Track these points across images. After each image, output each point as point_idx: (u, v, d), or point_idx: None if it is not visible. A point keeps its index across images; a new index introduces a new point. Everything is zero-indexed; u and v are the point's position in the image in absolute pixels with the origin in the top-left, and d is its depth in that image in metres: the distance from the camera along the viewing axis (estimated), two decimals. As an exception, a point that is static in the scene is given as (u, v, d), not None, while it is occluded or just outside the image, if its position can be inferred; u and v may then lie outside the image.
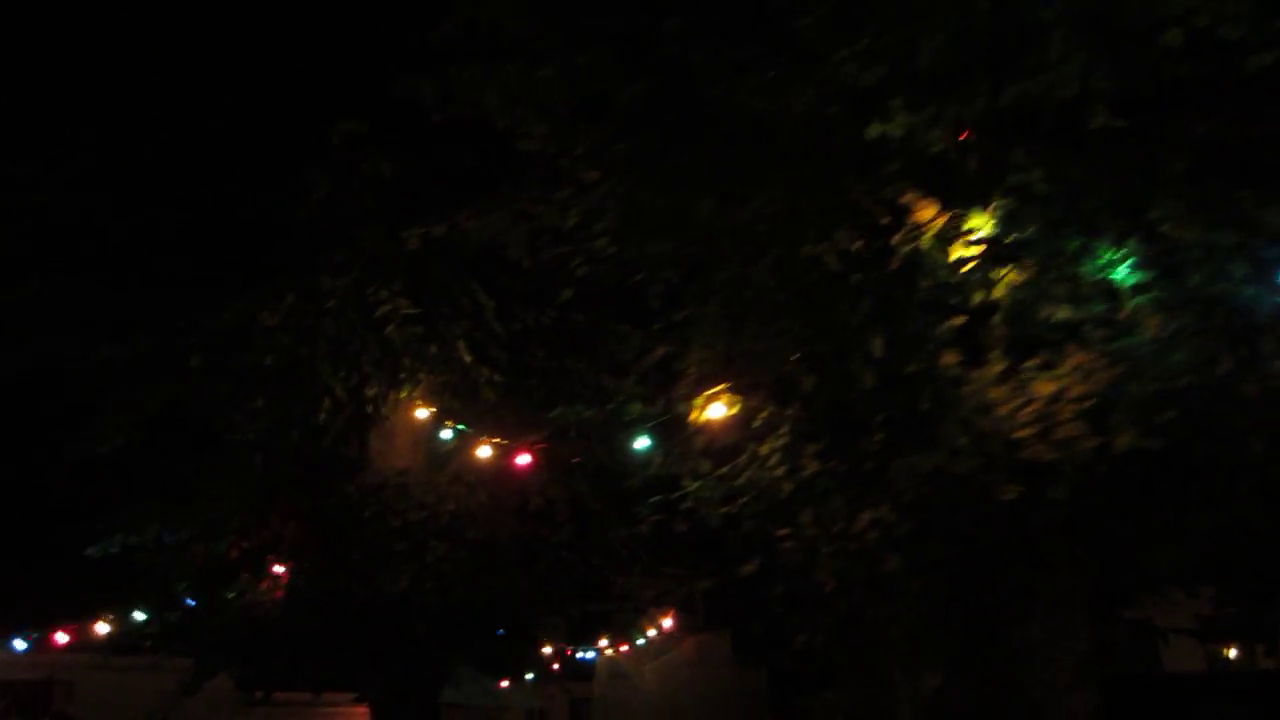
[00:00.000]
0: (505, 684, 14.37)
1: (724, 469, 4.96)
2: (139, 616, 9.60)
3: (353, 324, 7.21)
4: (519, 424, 8.27)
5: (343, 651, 8.16)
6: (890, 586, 4.04)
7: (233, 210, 7.28)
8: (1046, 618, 3.85)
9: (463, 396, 8.43)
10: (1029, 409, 3.59)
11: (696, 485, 5.02)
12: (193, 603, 9.16)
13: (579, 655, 14.63)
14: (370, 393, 8.11)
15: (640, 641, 12.94)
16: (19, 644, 10.58)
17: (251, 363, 7.49)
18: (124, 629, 9.84)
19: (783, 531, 4.51)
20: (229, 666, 8.88)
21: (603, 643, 14.46)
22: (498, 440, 7.15)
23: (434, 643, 7.58)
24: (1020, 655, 3.78)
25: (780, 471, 4.63)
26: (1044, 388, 3.59)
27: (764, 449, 4.84)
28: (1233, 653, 11.68)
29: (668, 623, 13.59)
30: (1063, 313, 3.76)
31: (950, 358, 3.96)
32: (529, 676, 17.81)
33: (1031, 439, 3.54)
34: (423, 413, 8.03)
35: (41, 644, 10.67)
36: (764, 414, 4.82)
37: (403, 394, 7.89)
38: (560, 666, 13.22)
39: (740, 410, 4.89)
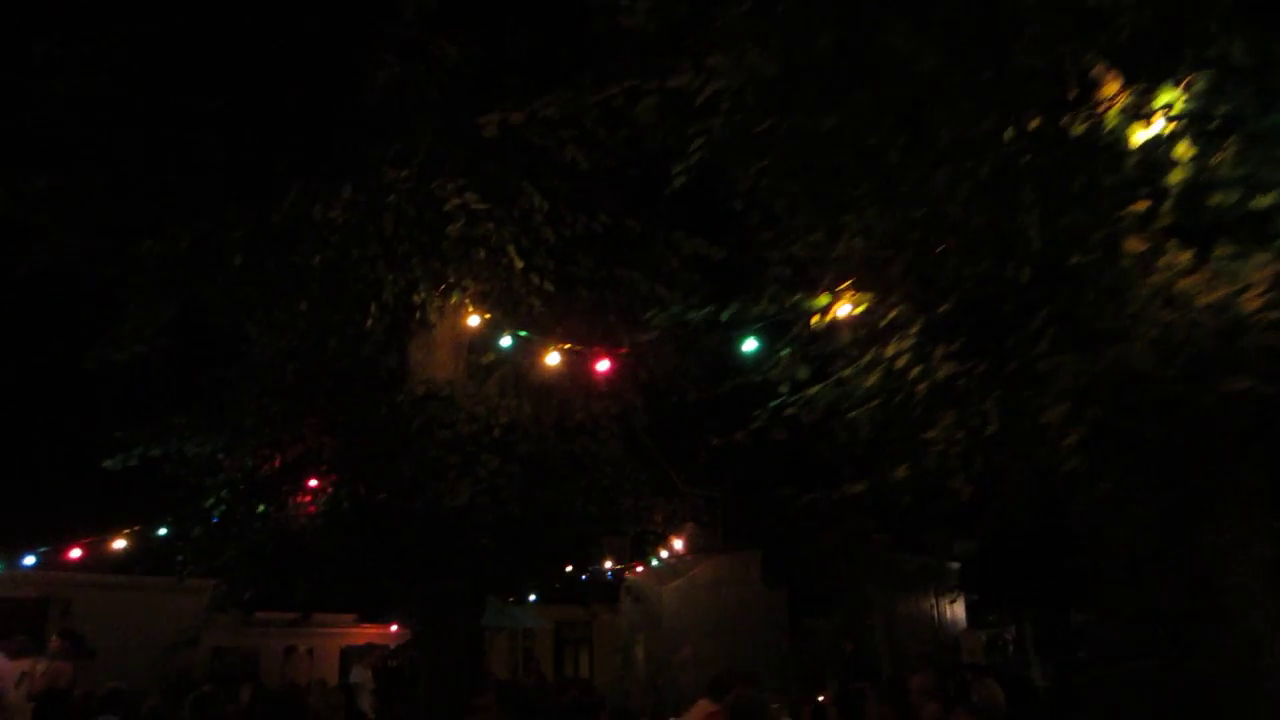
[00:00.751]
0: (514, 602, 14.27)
1: (846, 370, 4.69)
2: (161, 532, 9.22)
3: (411, 221, 6.77)
4: (566, 335, 7.96)
5: (386, 569, 7.88)
6: (1071, 487, 3.82)
7: (285, 96, 6.74)
8: (1228, 521, 3.66)
9: (505, 305, 8.08)
10: (1252, 295, 3.33)
11: (817, 389, 4.74)
12: (217, 519, 8.80)
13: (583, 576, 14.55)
14: (417, 298, 7.72)
15: (655, 563, 12.84)
16: (29, 559, 10.16)
17: (298, 262, 7.04)
18: (143, 544, 9.47)
19: (930, 433, 4.25)
20: (260, 585, 8.55)
21: (607, 564, 14.38)
22: (569, 346, 6.81)
23: (494, 557, 7.32)
24: (1207, 559, 3.60)
25: (914, 373, 4.38)
26: (1261, 273, 3.35)
27: (889, 350, 4.57)
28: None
29: (678, 544, 13.51)
30: (1269, 199, 3.51)
31: (1135, 245, 3.69)
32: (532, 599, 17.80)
33: (1261, 326, 3.29)
34: (474, 320, 7.67)
35: (50, 559, 10.27)
36: (893, 313, 4.55)
37: (452, 299, 7.50)
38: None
39: (867, 309, 4.61)
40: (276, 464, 7.99)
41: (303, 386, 8.15)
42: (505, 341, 7.43)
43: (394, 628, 19.99)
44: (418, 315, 8.18)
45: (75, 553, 9.72)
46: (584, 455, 8.27)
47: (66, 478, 12.51)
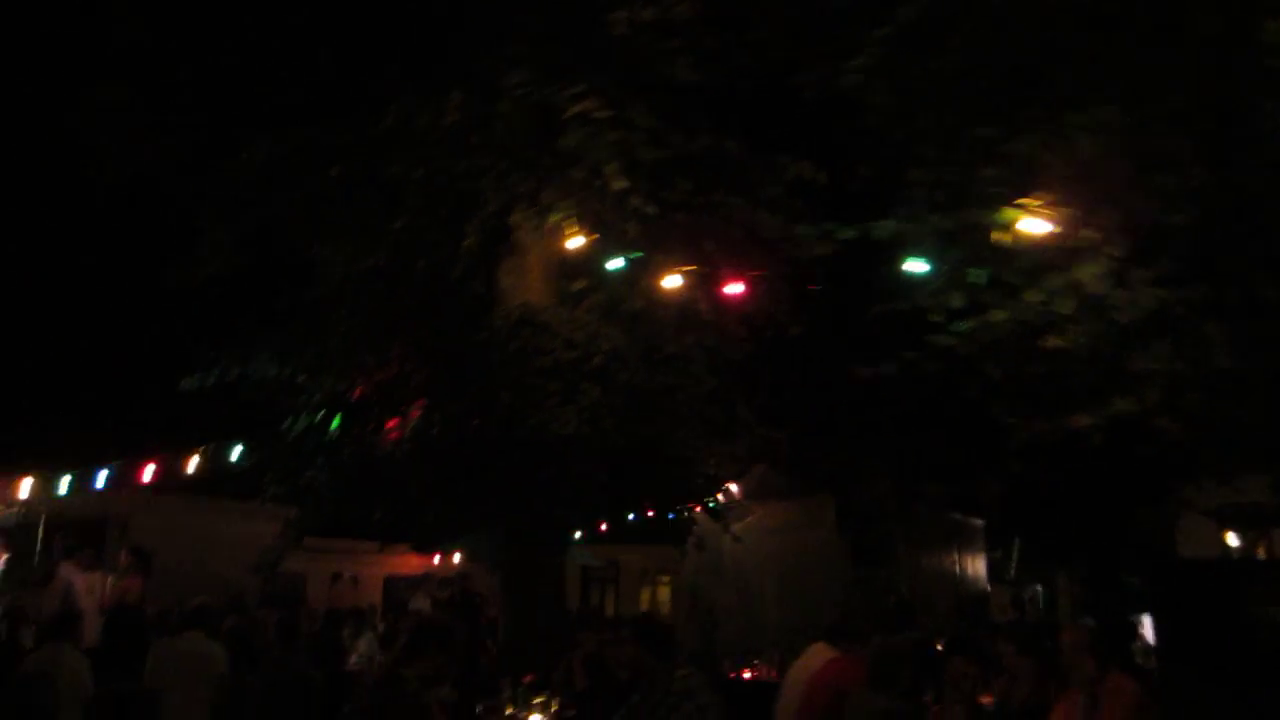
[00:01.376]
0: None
1: (1031, 293, 4.31)
2: (235, 453, 9.01)
3: (520, 131, 6.36)
4: (666, 260, 7.59)
5: (472, 499, 7.63)
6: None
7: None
8: None
9: (601, 229, 7.69)
10: None
11: (1002, 315, 4.36)
12: (296, 442, 8.57)
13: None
14: (514, 219, 7.35)
15: (712, 505, 12.57)
16: (101, 477, 10.01)
17: (397, 175, 6.66)
18: (216, 466, 9.27)
19: (1138, 365, 3.88)
20: (342, 510, 8.33)
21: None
22: (694, 268, 6.43)
23: (594, 490, 7.05)
24: None
25: (1116, 298, 3.99)
26: None
27: (1082, 273, 4.18)
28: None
29: (734, 487, 13.22)
30: None
31: None
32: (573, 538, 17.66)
33: None
34: (575, 241, 7.29)
35: (119, 479, 10.11)
36: (1090, 231, 4.15)
37: (552, 218, 7.11)
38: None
39: (1062, 226, 4.20)
40: (364, 389, 7.71)
41: (390, 309, 7.84)
42: (615, 264, 7.06)
43: (436, 559, 20.02)
44: (510, 238, 7.83)
45: (147, 472, 9.54)
46: (678, 389, 7.94)
47: (141, 399, 12.38)
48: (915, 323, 5.04)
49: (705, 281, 6.70)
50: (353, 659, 9.94)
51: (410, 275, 7.73)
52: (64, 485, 10.28)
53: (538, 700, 5.45)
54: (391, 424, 7.80)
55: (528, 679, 5.88)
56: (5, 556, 10.09)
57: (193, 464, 9.40)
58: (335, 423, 8.25)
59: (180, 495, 14.10)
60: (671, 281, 6.73)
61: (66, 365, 14.08)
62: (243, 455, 8.83)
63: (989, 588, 19.59)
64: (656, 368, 8.09)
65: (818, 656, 6.08)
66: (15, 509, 12.65)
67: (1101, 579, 17.61)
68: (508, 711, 5.15)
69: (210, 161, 7.31)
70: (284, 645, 7.70)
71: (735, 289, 6.35)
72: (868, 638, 5.80)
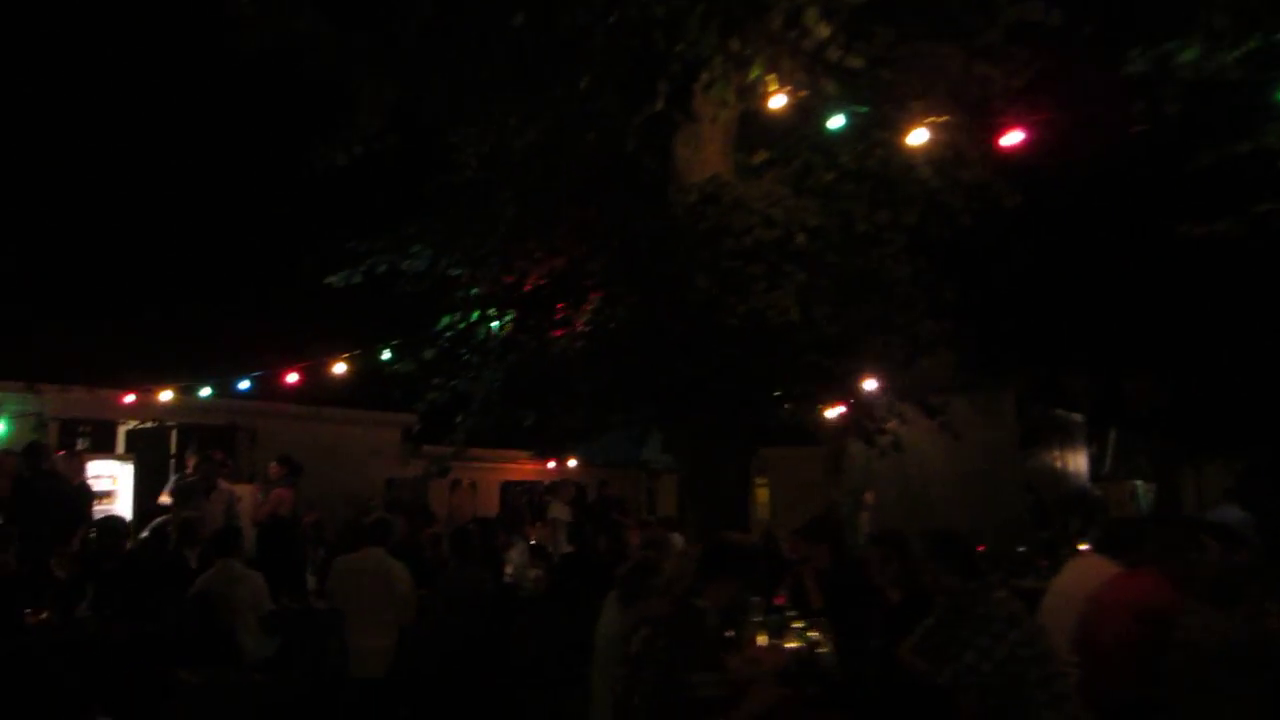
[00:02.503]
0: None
1: None
2: (385, 356, 8.41)
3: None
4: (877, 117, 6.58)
5: (656, 398, 6.89)
6: None
7: None
8: None
9: (798, 86, 6.68)
10: None
11: None
12: (449, 344, 7.90)
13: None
14: (705, 76, 6.39)
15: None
16: (243, 384, 9.57)
17: (582, 25, 5.74)
18: (365, 370, 8.70)
19: None
20: (502, 416, 7.66)
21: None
22: (941, 119, 5.43)
23: (820, 380, 6.24)
24: None
25: None
26: None
27: None
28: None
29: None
30: None
31: None
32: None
33: None
34: (778, 101, 6.32)
35: (261, 386, 9.66)
36: None
37: (754, 72, 6.13)
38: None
39: None
40: (531, 281, 6.95)
41: (558, 190, 7.01)
42: (835, 122, 6.10)
43: (551, 464, 19.73)
44: (689, 105, 6.89)
45: (291, 377, 9.05)
46: (880, 271, 7.01)
47: (277, 297, 11.94)
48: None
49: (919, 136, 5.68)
50: (508, 570, 9.52)
51: (579, 150, 6.87)
52: (205, 392, 9.92)
53: (797, 625, 4.75)
54: (559, 319, 7.07)
55: (779, 600, 5.21)
56: (176, 476, 9.74)
57: (339, 369, 8.84)
58: (496, 320, 7.55)
59: (304, 404, 13.84)
60: (918, 136, 5.76)
61: (200, 263, 13.75)
62: (395, 359, 8.21)
63: (1089, 485, 18.65)
64: (854, 247, 7.16)
65: (1093, 570, 5.26)
66: (147, 421, 12.47)
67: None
68: (760, 640, 4.45)
69: (364, 17, 6.49)
70: (460, 560, 7.21)
71: (1012, 139, 5.32)
72: (1143, 547, 4.96)
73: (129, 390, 10.60)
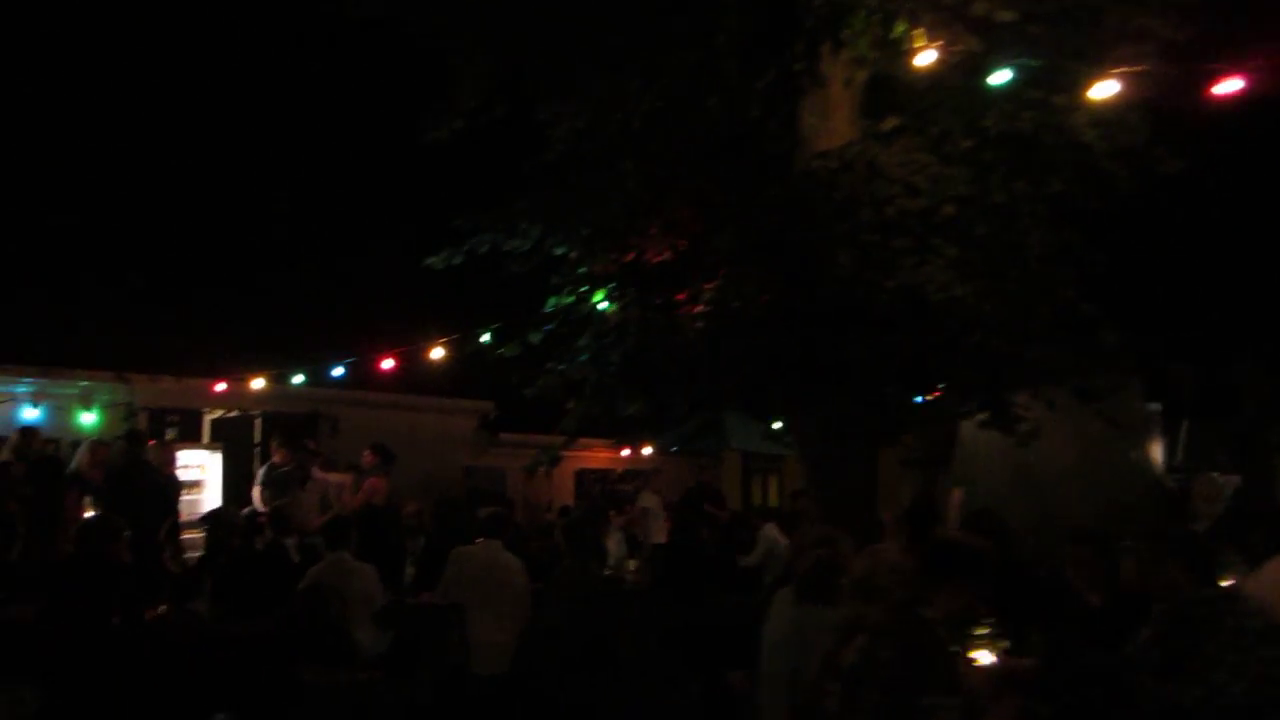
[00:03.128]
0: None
1: None
2: (484, 338, 8.09)
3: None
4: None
5: (788, 381, 6.46)
6: None
7: None
8: None
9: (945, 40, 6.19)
10: None
11: None
12: (555, 326, 7.55)
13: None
14: (848, 32, 5.94)
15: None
16: (337, 370, 9.35)
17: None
18: (465, 354, 8.39)
19: None
20: (614, 401, 7.28)
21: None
22: (1134, 69, 4.91)
23: (989, 362, 5.75)
24: None
25: None
26: None
27: None
28: None
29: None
30: None
31: None
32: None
33: None
34: (926, 57, 5.84)
35: (362, 370, 9.42)
36: None
37: (899, 28, 5.67)
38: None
39: None
40: (650, 257, 6.57)
41: (677, 162, 6.61)
42: (999, 78, 5.62)
43: (625, 452, 19.39)
44: (817, 67, 6.44)
45: (386, 364, 8.79)
46: (1024, 245, 6.49)
47: (366, 283, 11.76)
48: None
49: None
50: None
51: (700, 119, 6.47)
52: (297, 379, 9.73)
53: (981, 633, 4.27)
54: (681, 298, 6.67)
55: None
56: (267, 466, 9.55)
57: (437, 353, 8.55)
58: (608, 301, 7.18)
59: (383, 392, 13.66)
60: (1104, 89, 5.25)
61: (288, 249, 13.64)
62: (496, 343, 7.89)
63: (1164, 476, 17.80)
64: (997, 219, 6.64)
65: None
66: (232, 410, 12.37)
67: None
68: (979, 655, 3.96)
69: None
70: (576, 552, 6.87)
71: (1228, 87, 4.77)
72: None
73: (219, 379, 10.46)
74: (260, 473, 9.41)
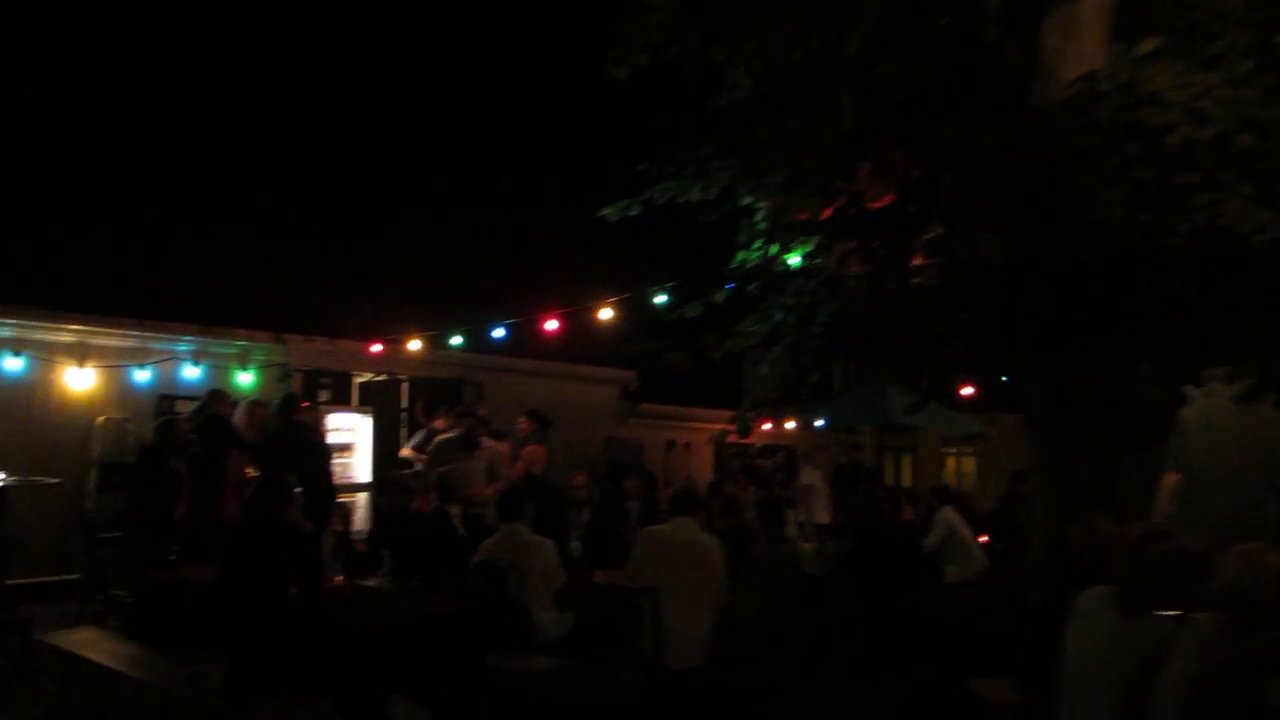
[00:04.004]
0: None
1: None
2: (660, 300, 7.45)
3: None
4: None
5: (1029, 341, 5.58)
6: None
7: None
8: None
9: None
10: None
11: None
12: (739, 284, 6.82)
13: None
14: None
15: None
16: (498, 331, 8.91)
17: None
18: (639, 314, 7.79)
19: None
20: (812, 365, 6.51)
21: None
22: None
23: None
24: None
25: None
26: None
27: None
28: None
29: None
30: None
31: None
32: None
33: None
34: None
35: (525, 332, 8.96)
36: None
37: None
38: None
39: None
40: (870, 203, 5.76)
41: (897, 93, 5.77)
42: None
43: (767, 425, 18.61)
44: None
45: (550, 324, 8.27)
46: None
47: (530, 238, 11.33)
48: None
49: None
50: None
51: (926, 45, 5.61)
52: (456, 340, 9.34)
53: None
54: (902, 249, 5.84)
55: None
56: (423, 432, 9.21)
57: (605, 314, 7.98)
58: (801, 255, 6.41)
59: (528, 359, 13.29)
60: None
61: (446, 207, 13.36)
62: (671, 303, 7.24)
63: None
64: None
65: None
66: (381, 374, 12.18)
67: None
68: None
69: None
70: (773, 533, 6.20)
71: None
72: None
73: (374, 340, 10.19)
74: (417, 437, 9.04)
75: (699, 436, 17.89)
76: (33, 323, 9.30)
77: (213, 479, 7.41)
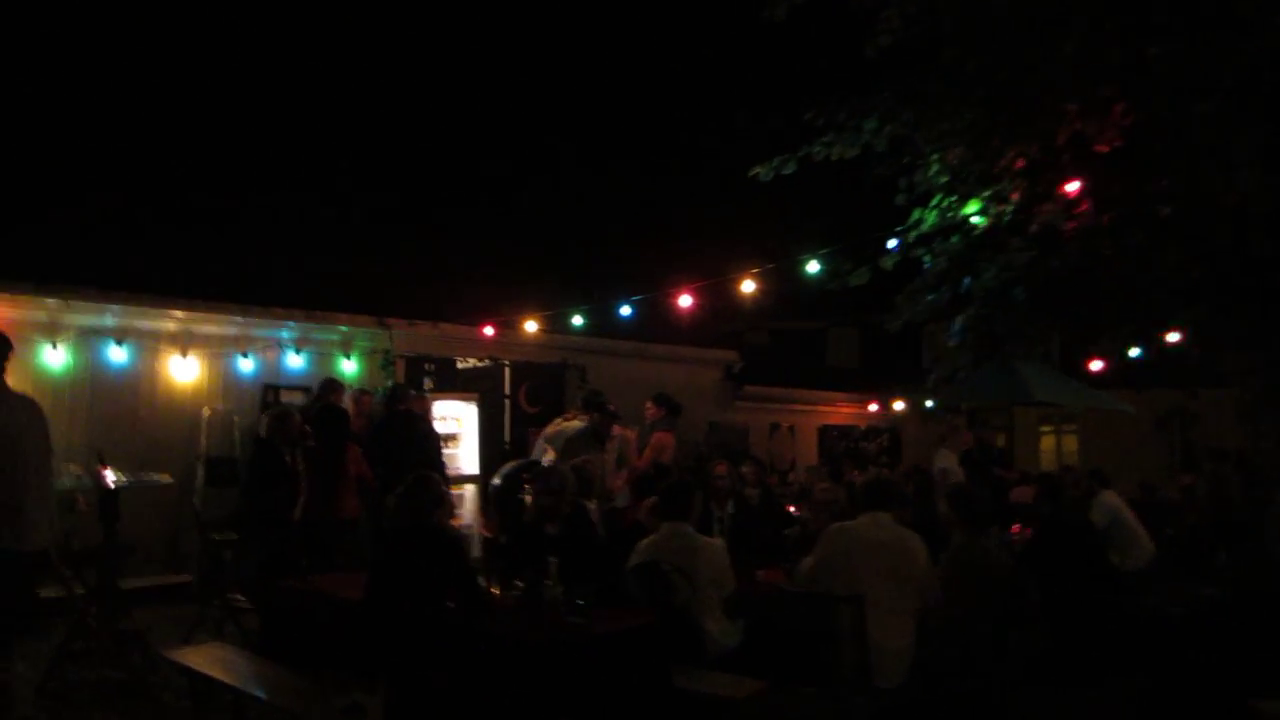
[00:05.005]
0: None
1: None
2: (812, 269, 6.69)
3: None
4: None
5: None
6: None
7: None
8: None
9: None
10: None
11: None
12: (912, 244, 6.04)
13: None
14: None
15: None
16: (625, 310, 8.26)
17: None
18: (799, 288, 7.04)
19: None
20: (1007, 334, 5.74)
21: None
22: None
23: None
24: None
25: None
26: None
27: None
28: None
29: None
30: None
31: None
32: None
33: None
34: None
35: (644, 310, 8.30)
36: None
37: None
38: None
39: None
40: (1109, 142, 4.92)
41: (1111, 30, 4.92)
42: None
43: (873, 407, 17.75)
44: None
45: (684, 300, 7.55)
46: None
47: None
48: None
49: None
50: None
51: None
52: (576, 320, 8.73)
53: None
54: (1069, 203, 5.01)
55: None
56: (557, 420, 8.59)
57: (748, 286, 7.24)
58: (980, 211, 5.61)
59: (629, 340, 12.64)
60: None
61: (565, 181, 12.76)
62: (829, 270, 6.48)
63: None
64: None
65: None
66: (484, 359, 11.66)
67: None
68: None
69: None
70: (969, 527, 5.42)
71: None
72: None
73: (483, 323, 9.62)
74: (546, 433, 8.38)
75: (803, 420, 17.11)
76: (137, 309, 8.94)
77: (331, 474, 6.90)
